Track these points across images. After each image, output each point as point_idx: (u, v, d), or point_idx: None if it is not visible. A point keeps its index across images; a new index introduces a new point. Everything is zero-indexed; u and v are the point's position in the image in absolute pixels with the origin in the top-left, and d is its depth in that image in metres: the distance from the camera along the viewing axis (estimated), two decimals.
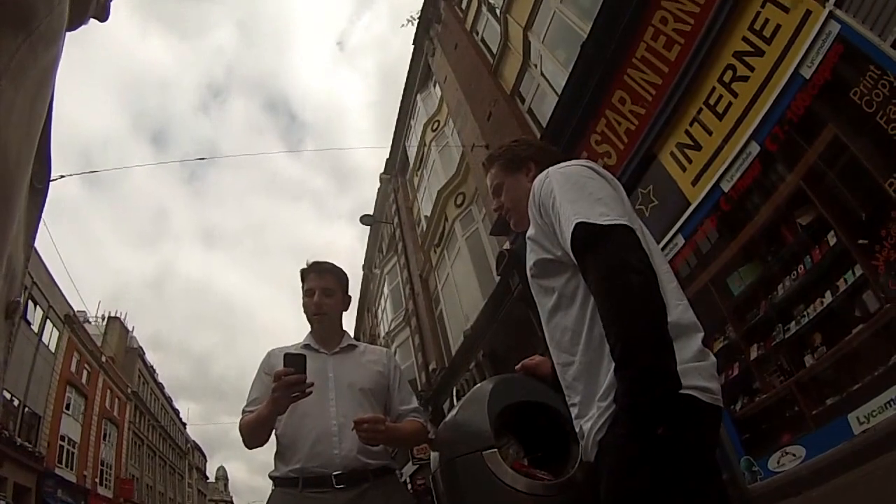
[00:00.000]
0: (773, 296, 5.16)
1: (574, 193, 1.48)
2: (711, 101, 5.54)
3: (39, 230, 0.76)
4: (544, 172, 1.62)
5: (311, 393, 1.93)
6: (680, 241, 6.03)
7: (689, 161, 5.91)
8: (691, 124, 5.86)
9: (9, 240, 0.59)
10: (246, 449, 2.23)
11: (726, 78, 5.33)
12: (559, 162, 1.68)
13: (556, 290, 1.55)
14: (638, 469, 1.27)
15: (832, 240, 4.52)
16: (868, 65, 4.02)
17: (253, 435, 2.09)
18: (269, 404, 1.96)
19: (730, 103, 5.31)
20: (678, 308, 1.43)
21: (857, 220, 4.39)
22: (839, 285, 4.47)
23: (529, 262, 1.64)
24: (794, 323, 4.91)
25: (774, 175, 5.10)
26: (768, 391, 5.19)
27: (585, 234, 1.39)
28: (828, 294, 4.57)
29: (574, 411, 1.52)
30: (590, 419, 1.42)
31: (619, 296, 1.30)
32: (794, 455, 4.72)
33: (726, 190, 5.38)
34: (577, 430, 1.51)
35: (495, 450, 1.76)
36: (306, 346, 2.27)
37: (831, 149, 4.52)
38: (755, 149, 5.03)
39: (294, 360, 1.91)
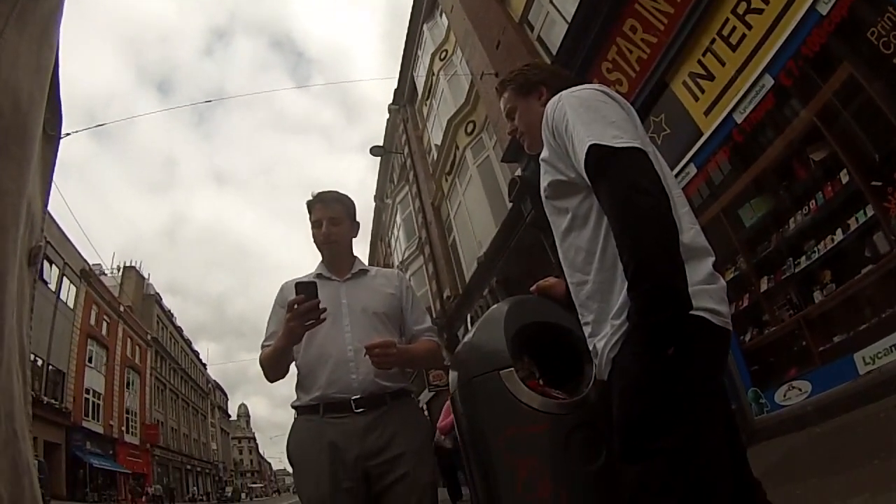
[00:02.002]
0: (785, 229, 5.20)
1: (587, 116, 1.48)
2: (725, 33, 5.39)
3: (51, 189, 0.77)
4: (557, 96, 1.61)
5: (325, 319, 1.96)
6: (692, 170, 6.01)
7: (702, 91, 5.81)
8: (704, 54, 5.72)
9: (28, 183, 0.59)
10: (266, 383, 2.32)
11: (740, 10, 5.17)
12: (571, 86, 1.66)
13: (569, 210, 1.56)
14: (648, 387, 1.31)
15: (845, 178, 4.52)
16: (887, 5, 3.91)
17: (272, 368, 2.14)
18: (284, 335, 2.00)
19: (744, 35, 5.17)
20: (691, 231, 1.45)
21: (870, 160, 4.38)
22: (850, 224, 4.50)
23: (543, 184, 1.65)
24: (804, 258, 4.97)
25: (788, 109, 5.04)
26: (777, 324, 5.32)
27: (599, 155, 1.39)
28: (839, 232, 4.61)
29: (587, 330, 1.55)
30: (603, 337, 1.44)
31: (632, 216, 1.32)
32: (800, 390, 4.88)
33: (739, 121, 5.31)
34: (590, 348, 1.54)
35: (512, 369, 1.80)
36: (318, 274, 2.28)
37: (846, 87, 4.45)
38: (769, 82, 4.93)
39: (305, 288, 1.93)
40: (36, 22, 0.60)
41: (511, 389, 1.77)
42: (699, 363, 1.33)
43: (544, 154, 1.64)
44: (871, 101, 4.26)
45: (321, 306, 1.94)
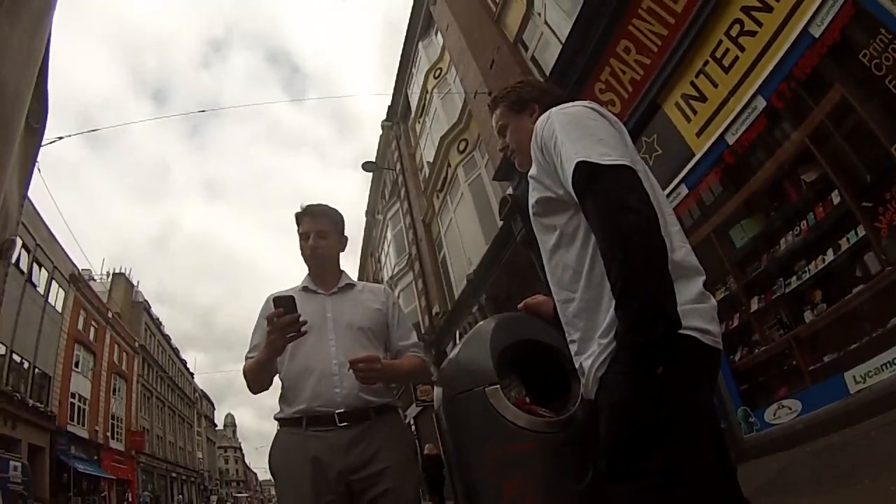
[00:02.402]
0: (775, 250, 5.23)
1: (576, 133, 1.47)
2: (718, 54, 5.45)
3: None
4: (547, 113, 1.61)
5: (306, 332, 1.96)
6: (683, 190, 6.05)
7: (694, 112, 5.86)
8: (697, 76, 5.78)
9: (6, 176, 0.58)
10: (252, 395, 2.28)
11: (733, 32, 5.24)
12: (563, 103, 1.66)
13: (557, 228, 1.55)
14: (636, 407, 1.29)
15: (836, 199, 4.55)
16: (879, 28, 3.96)
17: (255, 380, 2.13)
18: (266, 347, 1.99)
19: (736, 57, 5.23)
20: (682, 250, 1.45)
21: (862, 181, 4.42)
22: (841, 244, 4.53)
23: (531, 200, 1.64)
24: (795, 278, 4.99)
25: (780, 131, 5.09)
26: (767, 344, 5.33)
27: (586, 173, 1.39)
28: (829, 252, 4.64)
29: (573, 348, 1.53)
30: (590, 356, 1.42)
31: (620, 235, 1.30)
32: (790, 409, 4.89)
33: (731, 143, 5.36)
34: (576, 366, 1.52)
35: (497, 386, 1.78)
36: (305, 287, 2.27)
37: (838, 109, 4.50)
38: (761, 104, 4.99)
39: (283, 302, 1.92)
40: (29, 14, 0.59)
41: (496, 407, 1.76)
42: (689, 383, 1.32)
43: (533, 171, 1.64)
44: (862, 122, 4.31)
45: (304, 319, 1.94)
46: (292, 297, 1.96)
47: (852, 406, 4.19)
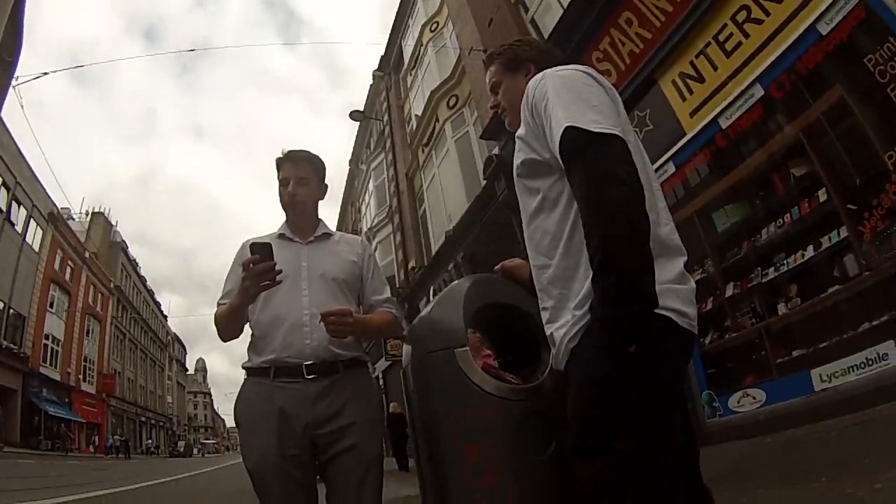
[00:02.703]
0: (757, 238, 5.27)
1: (569, 97, 1.42)
2: (721, 38, 5.38)
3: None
4: (541, 73, 1.55)
5: (281, 281, 1.92)
6: (671, 168, 6.03)
7: (691, 92, 5.81)
8: (697, 56, 5.70)
9: None
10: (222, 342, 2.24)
11: (740, 17, 5.15)
12: (561, 65, 1.60)
13: (540, 191, 1.52)
14: (607, 384, 1.28)
15: (822, 196, 4.57)
16: (888, 35, 3.93)
17: (226, 326, 2.09)
18: (239, 294, 1.96)
19: (740, 42, 5.16)
20: (666, 227, 1.43)
21: (850, 183, 4.44)
22: (822, 242, 4.57)
23: (517, 161, 1.60)
24: (772, 269, 5.04)
25: (774, 122, 5.07)
26: (738, 331, 5.41)
27: (575, 139, 1.34)
28: (810, 248, 4.68)
29: (545, 315, 1.51)
30: (563, 326, 1.41)
31: (603, 205, 1.26)
32: (754, 398, 4.99)
33: (724, 126, 5.34)
34: (547, 334, 1.50)
35: (467, 349, 1.78)
36: (281, 235, 2.22)
37: (836, 109, 4.49)
38: (759, 92, 4.96)
39: (260, 248, 1.87)
40: None
41: (465, 370, 1.75)
42: (661, 364, 1.31)
43: (520, 131, 1.59)
44: (859, 125, 4.31)
45: (279, 268, 1.89)
46: (269, 245, 1.90)
47: (815, 404, 4.27)
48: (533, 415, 1.70)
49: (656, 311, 1.24)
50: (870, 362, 4.04)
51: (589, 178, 1.31)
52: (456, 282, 2.09)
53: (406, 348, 2.06)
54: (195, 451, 62.17)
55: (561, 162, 1.40)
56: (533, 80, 1.56)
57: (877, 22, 4.02)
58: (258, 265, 1.85)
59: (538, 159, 1.51)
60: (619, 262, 1.21)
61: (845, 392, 4.09)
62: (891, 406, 3.61)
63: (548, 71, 1.55)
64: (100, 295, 37.19)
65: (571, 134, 1.34)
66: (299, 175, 2.21)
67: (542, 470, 1.66)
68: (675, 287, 1.34)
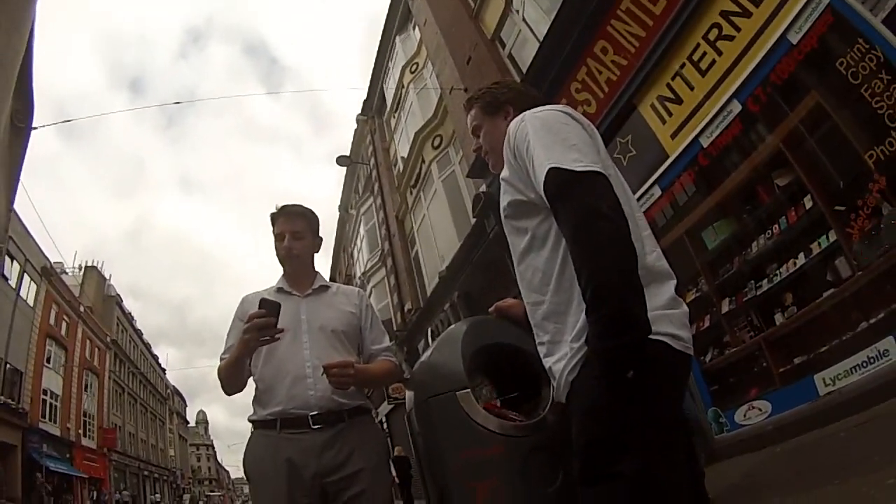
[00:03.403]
0: (747, 252, 5.31)
1: (548, 138, 1.47)
2: (695, 58, 5.51)
3: None
4: (520, 116, 1.60)
5: (279, 339, 1.97)
6: (657, 191, 6.10)
7: (670, 114, 5.92)
8: (673, 78, 5.83)
9: None
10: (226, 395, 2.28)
11: (711, 36, 5.29)
12: (538, 105, 1.66)
13: (528, 230, 1.55)
14: (608, 411, 1.30)
15: (808, 203, 4.63)
16: (857, 37, 4.02)
17: (229, 380, 2.13)
18: (239, 346, 2.00)
19: (713, 61, 5.28)
20: (652, 255, 1.46)
21: (834, 187, 4.50)
22: (813, 248, 4.62)
23: (503, 203, 1.64)
24: (766, 281, 5.07)
25: (754, 135, 5.16)
26: (738, 345, 5.41)
27: (558, 179, 1.39)
28: (801, 256, 4.72)
29: (542, 350, 1.53)
30: (561, 359, 1.43)
31: (590, 241, 1.30)
32: (760, 410, 4.96)
33: (705, 145, 5.42)
34: (546, 368, 1.52)
35: (468, 390, 1.80)
36: (279, 289, 2.27)
37: (813, 115, 4.58)
38: (736, 107, 5.05)
39: (268, 305, 1.92)
40: (8, 10, 0.54)
41: (467, 411, 1.77)
42: (659, 388, 1.33)
43: (505, 173, 1.64)
44: (836, 128, 4.38)
45: (281, 324, 1.95)
46: (279, 304, 1.95)
47: (822, 408, 4.27)
48: (538, 449, 1.72)
49: (651, 336, 1.27)
50: (871, 361, 4.05)
51: (575, 217, 1.35)
52: (453, 325, 2.12)
53: (408, 393, 2.08)
54: (200, 503, 60.82)
55: (546, 202, 1.44)
56: (513, 123, 1.60)
57: (845, 25, 4.11)
58: (260, 320, 1.90)
59: (524, 199, 1.55)
60: (608, 294, 1.25)
61: (850, 393, 4.10)
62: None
63: (527, 113, 1.60)
64: (97, 349, 36.69)
65: (554, 175, 1.39)
66: (294, 229, 2.27)
67: (551, 502, 1.67)
68: (667, 312, 1.38)
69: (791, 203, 4.83)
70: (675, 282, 1.47)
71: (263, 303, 1.94)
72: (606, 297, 1.25)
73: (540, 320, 1.53)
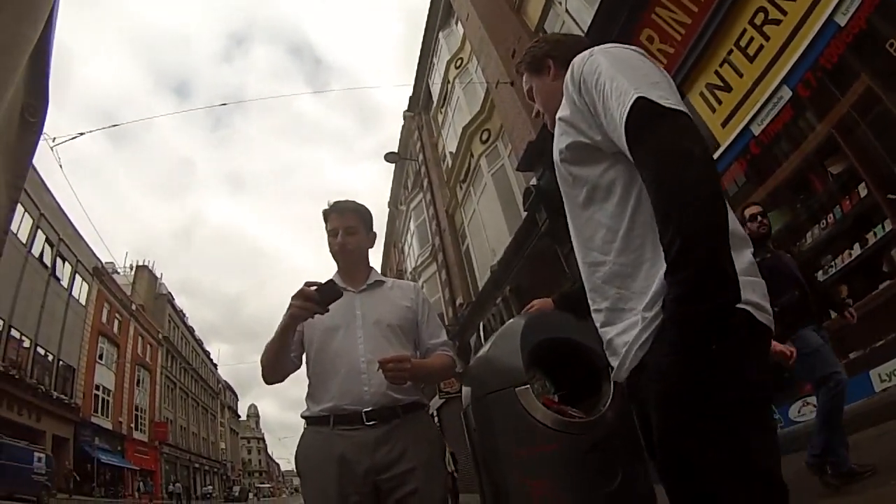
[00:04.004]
0: (802, 243, 5.15)
1: (629, 72, 1.25)
2: (742, 43, 5.36)
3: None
4: (588, 51, 1.39)
5: (328, 311, 1.93)
6: None
7: (719, 102, 5.77)
8: (721, 65, 5.69)
9: None
10: (278, 385, 2.25)
11: (757, 20, 5.14)
12: (580, 49, 1.44)
13: (589, 179, 1.35)
14: (695, 393, 1.10)
15: (863, 191, 4.47)
16: None
17: (269, 359, 2.09)
18: (284, 317, 1.98)
19: (761, 46, 5.13)
20: (730, 215, 1.17)
21: (888, 174, 4.32)
22: (868, 239, 4.46)
23: (560, 146, 1.42)
24: (821, 273, 4.90)
25: (805, 122, 5.00)
26: None
27: (646, 113, 1.17)
28: (856, 247, 4.57)
29: (599, 318, 1.35)
30: (626, 331, 1.24)
31: (681, 186, 1.10)
32: (814, 406, 4.75)
33: (756, 133, 5.28)
34: (604, 340, 1.33)
35: (528, 386, 1.76)
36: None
37: (864, 100, 4.42)
38: (787, 94, 4.90)
39: (329, 287, 1.91)
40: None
41: (527, 407, 1.74)
42: (745, 363, 1.12)
43: (563, 113, 1.42)
44: (888, 113, 4.23)
45: (334, 317, 1.96)
46: (339, 292, 1.93)
47: (878, 404, 4.13)
48: (597, 447, 1.67)
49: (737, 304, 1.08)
50: None
51: (663, 156, 1.15)
52: (511, 320, 2.09)
53: (465, 390, 2.07)
54: (250, 495, 62.72)
55: (623, 139, 1.22)
56: (579, 57, 1.40)
57: (893, 5, 3.96)
58: (314, 290, 1.90)
59: (586, 143, 1.35)
60: (700, 249, 1.06)
61: None
62: None
63: (596, 48, 1.40)
64: (149, 346, 38.11)
65: (644, 106, 1.18)
66: (346, 225, 2.26)
67: (610, 502, 1.63)
68: (750, 279, 1.16)
69: (845, 192, 4.68)
70: (752, 249, 1.27)
71: (327, 284, 1.92)
72: (696, 252, 1.05)
73: (599, 283, 1.34)
